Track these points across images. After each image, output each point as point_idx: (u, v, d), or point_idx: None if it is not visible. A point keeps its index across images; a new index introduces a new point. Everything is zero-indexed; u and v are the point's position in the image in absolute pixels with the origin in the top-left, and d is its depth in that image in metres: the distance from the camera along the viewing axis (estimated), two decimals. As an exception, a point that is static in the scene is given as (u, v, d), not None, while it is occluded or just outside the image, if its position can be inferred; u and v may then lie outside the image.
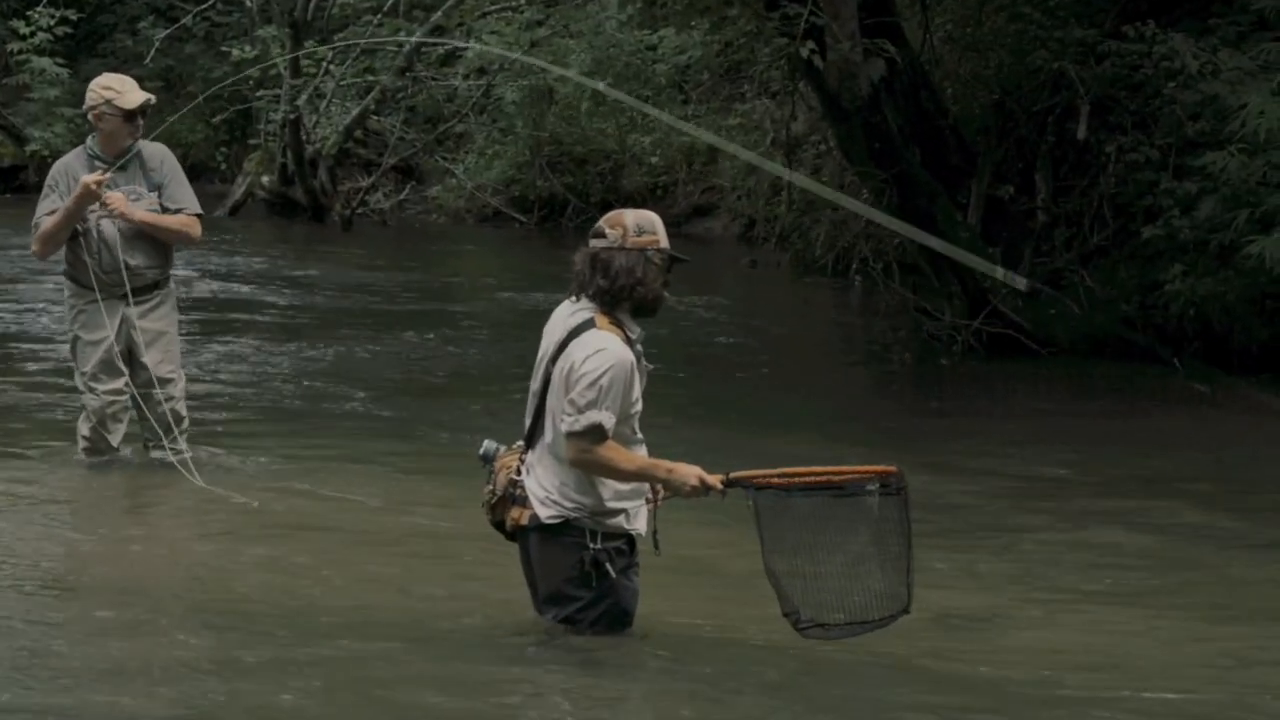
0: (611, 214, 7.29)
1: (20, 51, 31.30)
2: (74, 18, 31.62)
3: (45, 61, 30.88)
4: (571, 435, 6.98)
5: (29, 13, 31.38)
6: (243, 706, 6.59)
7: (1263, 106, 14.60)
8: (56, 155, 10.34)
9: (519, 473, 7.22)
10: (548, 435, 7.16)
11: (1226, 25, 16.05)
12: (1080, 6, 17.30)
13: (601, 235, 7.17)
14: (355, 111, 28.14)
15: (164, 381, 10.33)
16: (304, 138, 27.60)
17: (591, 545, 7.07)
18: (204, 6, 28.07)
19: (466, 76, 27.83)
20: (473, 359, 16.14)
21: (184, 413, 10.48)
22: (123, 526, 9.65)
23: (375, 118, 28.57)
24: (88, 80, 11.12)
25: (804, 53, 15.37)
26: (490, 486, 7.28)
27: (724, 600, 8.27)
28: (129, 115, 10.24)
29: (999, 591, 8.80)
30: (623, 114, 26.07)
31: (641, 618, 7.27)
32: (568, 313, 7.20)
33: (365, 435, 12.24)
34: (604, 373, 6.96)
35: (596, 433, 6.96)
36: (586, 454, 6.98)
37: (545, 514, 7.11)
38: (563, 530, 7.11)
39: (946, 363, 16.16)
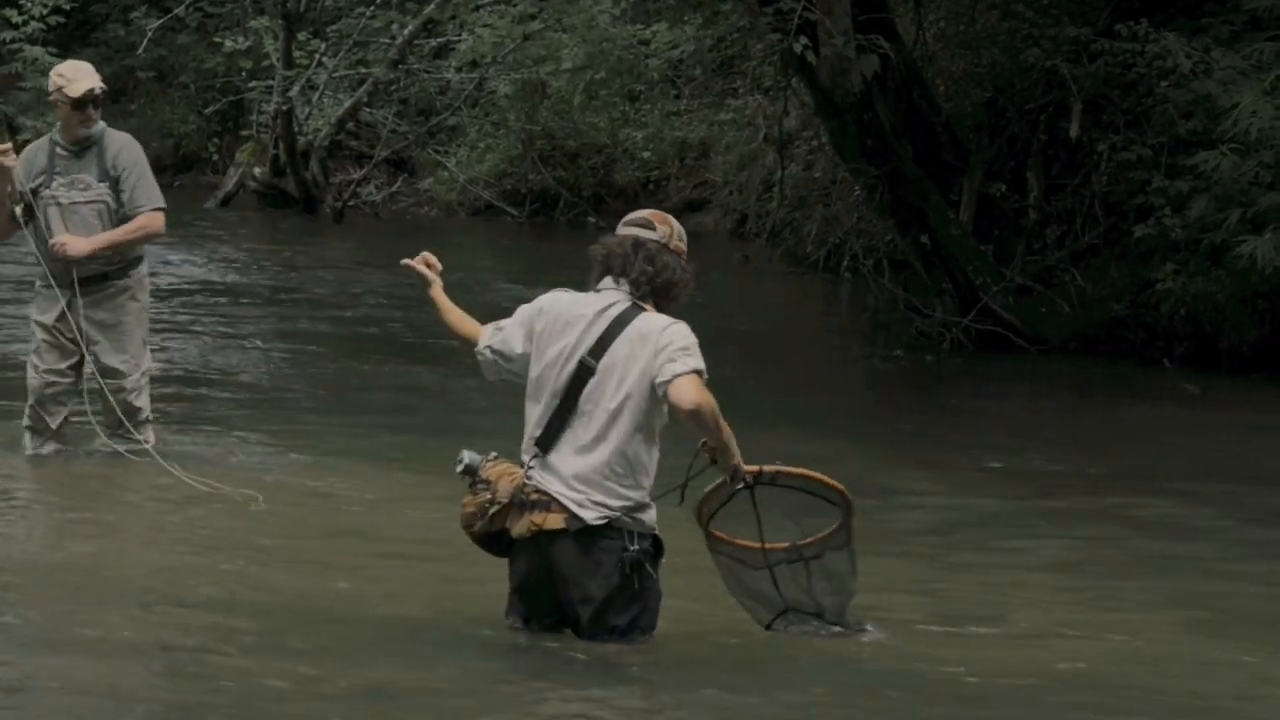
0: (656, 212, 7.17)
1: (13, 40, 31.25)
2: (66, 7, 31.55)
3: (38, 50, 30.79)
4: (684, 375, 6.75)
5: (21, 1, 31.33)
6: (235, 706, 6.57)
7: (1255, 106, 14.60)
8: (48, 144, 10.31)
9: (528, 478, 6.95)
10: (588, 431, 6.88)
11: (1219, 25, 16.04)
12: (1073, 5, 17.30)
13: (650, 228, 7.05)
14: (348, 103, 28.09)
15: (113, 373, 10.22)
16: (296, 129, 27.56)
17: (630, 546, 6.87)
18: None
19: (459, 69, 27.77)
20: (459, 354, 16.09)
21: (138, 404, 10.27)
22: (64, 516, 9.56)
23: (368, 110, 28.51)
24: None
25: (797, 48, 15.36)
26: (486, 495, 6.96)
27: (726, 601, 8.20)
28: (77, 103, 10.10)
29: (988, 590, 8.79)
30: (615, 108, 26.07)
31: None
32: (597, 304, 7.00)
33: (352, 428, 12.20)
34: (688, 335, 6.87)
35: (702, 375, 6.83)
36: (703, 392, 6.78)
37: (590, 516, 6.84)
38: (603, 533, 6.86)
39: (932, 359, 16.14)
